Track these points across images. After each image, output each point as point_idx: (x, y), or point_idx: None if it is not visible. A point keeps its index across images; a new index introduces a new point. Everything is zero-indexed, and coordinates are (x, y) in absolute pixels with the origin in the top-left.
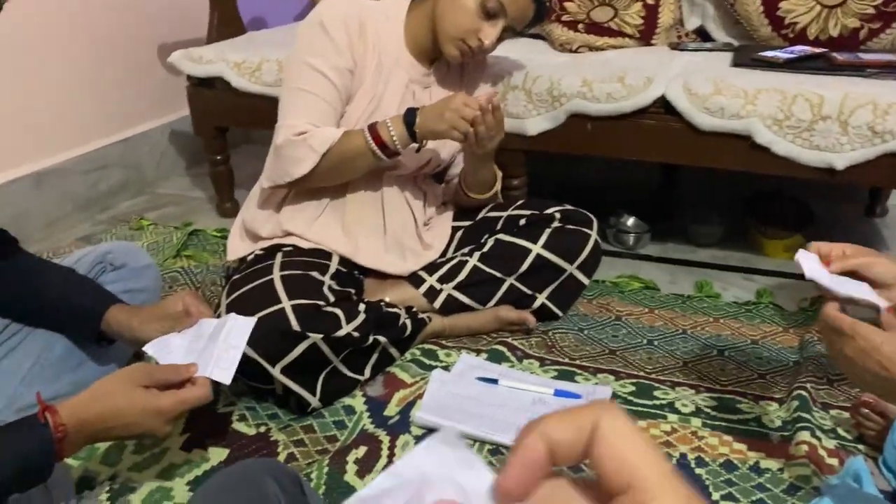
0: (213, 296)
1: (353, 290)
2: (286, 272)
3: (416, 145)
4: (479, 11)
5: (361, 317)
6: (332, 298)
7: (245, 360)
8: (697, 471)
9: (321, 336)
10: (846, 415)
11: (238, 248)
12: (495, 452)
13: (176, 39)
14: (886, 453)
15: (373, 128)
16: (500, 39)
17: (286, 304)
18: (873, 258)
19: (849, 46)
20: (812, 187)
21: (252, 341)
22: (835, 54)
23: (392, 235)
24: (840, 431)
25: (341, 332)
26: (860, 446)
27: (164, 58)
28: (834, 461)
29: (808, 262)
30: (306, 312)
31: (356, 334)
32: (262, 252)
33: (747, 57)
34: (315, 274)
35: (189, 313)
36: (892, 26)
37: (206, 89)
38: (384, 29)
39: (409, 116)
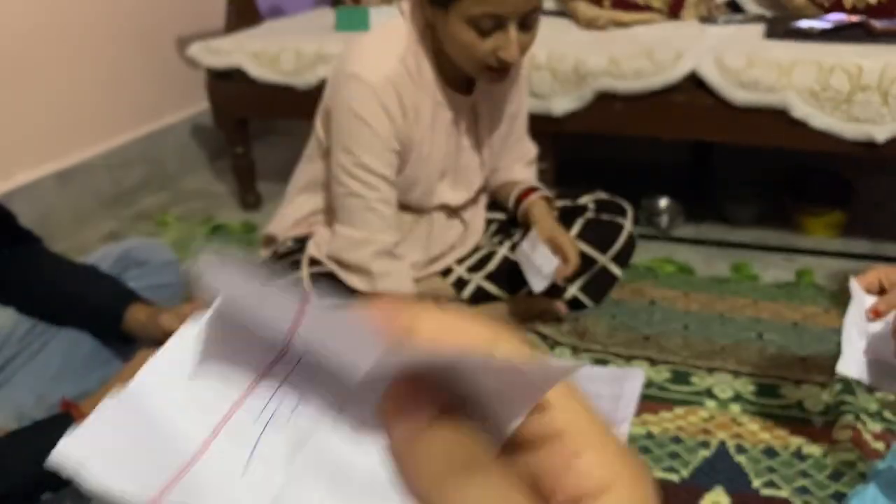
0: None
1: None
2: (314, 269)
3: None
4: (478, 36)
5: None
6: None
7: None
8: (737, 458)
9: None
10: (892, 397)
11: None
12: None
13: (194, 31)
14: None
15: None
16: (528, 29)
17: None
18: None
19: (888, 13)
20: (852, 163)
21: None
22: (873, 22)
23: (438, 249)
24: (886, 414)
25: None
26: None
27: (183, 51)
28: (880, 445)
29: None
30: None
31: None
32: (292, 245)
33: (781, 28)
34: None
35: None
36: None
37: (225, 81)
38: (418, 82)
39: None
